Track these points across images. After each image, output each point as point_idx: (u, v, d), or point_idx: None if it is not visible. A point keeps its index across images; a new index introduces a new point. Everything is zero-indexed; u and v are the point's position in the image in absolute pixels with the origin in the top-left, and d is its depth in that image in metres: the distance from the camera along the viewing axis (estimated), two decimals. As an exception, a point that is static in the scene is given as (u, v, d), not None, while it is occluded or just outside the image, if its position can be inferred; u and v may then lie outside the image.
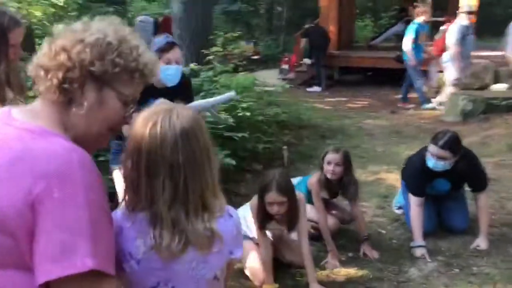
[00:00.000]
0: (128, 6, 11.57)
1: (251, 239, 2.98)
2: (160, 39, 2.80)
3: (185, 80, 2.93)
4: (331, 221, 3.39)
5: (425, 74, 8.67)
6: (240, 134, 4.39)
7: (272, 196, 2.67)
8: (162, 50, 2.70)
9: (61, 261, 0.94)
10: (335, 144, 6.10)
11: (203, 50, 5.91)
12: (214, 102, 2.79)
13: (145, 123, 1.14)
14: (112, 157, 2.93)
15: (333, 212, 3.56)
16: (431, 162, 3.16)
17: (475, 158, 3.32)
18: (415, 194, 3.32)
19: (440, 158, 3.11)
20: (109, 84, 1.12)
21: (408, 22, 13.06)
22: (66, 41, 1.09)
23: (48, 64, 1.08)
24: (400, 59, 8.79)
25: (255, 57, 16.47)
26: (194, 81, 5.57)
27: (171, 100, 2.74)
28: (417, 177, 3.34)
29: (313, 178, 3.35)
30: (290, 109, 7.35)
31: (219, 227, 1.20)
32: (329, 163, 3.24)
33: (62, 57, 1.08)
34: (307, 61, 11.55)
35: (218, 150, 4.12)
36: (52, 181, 0.96)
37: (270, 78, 12.91)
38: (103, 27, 1.13)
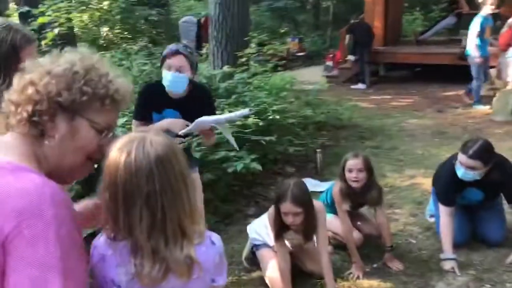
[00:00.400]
0: (171, 7, 11.73)
1: (271, 247, 2.96)
2: (171, 46, 2.81)
3: (197, 89, 2.90)
4: (356, 235, 3.27)
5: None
6: (267, 138, 4.33)
7: (287, 206, 2.62)
8: (165, 56, 2.72)
9: None
10: (372, 146, 6.02)
11: (236, 52, 5.90)
12: (229, 118, 2.77)
13: (119, 153, 1.13)
14: None
15: (359, 224, 3.45)
16: (460, 172, 2.99)
17: (511, 167, 3.11)
18: (444, 203, 3.17)
19: (469, 168, 2.94)
20: (80, 113, 1.13)
21: (459, 15, 12.57)
22: (34, 74, 1.11)
23: (18, 99, 1.10)
24: (462, 56, 8.12)
25: (300, 53, 16.37)
26: (228, 83, 5.60)
27: (184, 109, 2.77)
28: (446, 186, 3.18)
29: (335, 188, 3.25)
30: (330, 108, 7.22)
31: (200, 254, 1.18)
32: (350, 170, 3.13)
33: (30, 91, 1.09)
34: (351, 57, 11.32)
35: (245, 154, 4.11)
36: (23, 219, 0.97)
37: (314, 75, 12.78)
38: (70, 58, 1.13)
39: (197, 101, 2.86)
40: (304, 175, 5.13)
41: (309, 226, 2.72)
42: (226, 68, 5.57)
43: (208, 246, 1.22)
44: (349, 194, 3.17)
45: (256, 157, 4.09)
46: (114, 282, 1.18)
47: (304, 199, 2.64)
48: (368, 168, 3.14)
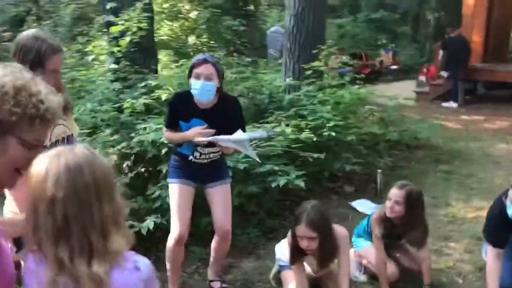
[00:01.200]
0: (258, 18, 11.86)
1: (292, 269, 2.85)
2: (197, 56, 2.85)
3: (226, 100, 2.90)
4: (390, 268, 3.05)
5: None
6: (315, 155, 4.20)
7: (301, 229, 2.51)
8: (194, 66, 2.75)
9: None
10: (446, 170, 5.59)
11: (303, 65, 5.81)
12: (247, 138, 2.75)
13: (36, 163, 1.15)
14: (170, 171, 3.05)
15: (398, 255, 3.21)
16: (510, 210, 2.66)
17: None
18: (492, 244, 2.83)
19: (521, 205, 2.60)
20: (10, 132, 1.16)
21: None
22: None
23: None
24: None
25: (394, 66, 15.75)
26: (294, 95, 5.55)
27: (211, 119, 2.78)
28: (495, 225, 2.83)
29: (375, 214, 3.06)
30: (408, 126, 6.84)
31: (119, 278, 1.16)
32: (389, 199, 2.95)
33: None
34: (443, 73, 10.65)
35: (293, 169, 4.02)
36: None
37: (405, 90, 12.19)
38: (1, 78, 1.16)
39: (225, 112, 2.87)
40: (363, 196, 4.92)
41: (324, 252, 2.57)
42: (289, 80, 5.50)
43: (130, 271, 1.18)
44: (384, 222, 2.97)
45: (303, 174, 3.98)
46: None
47: (321, 223, 2.51)
48: (408, 204, 2.93)
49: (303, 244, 2.54)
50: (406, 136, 6.62)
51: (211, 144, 2.86)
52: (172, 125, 2.91)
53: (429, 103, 10.87)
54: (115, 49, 4.85)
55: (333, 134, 4.52)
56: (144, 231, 3.34)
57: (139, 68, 5.30)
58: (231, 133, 2.78)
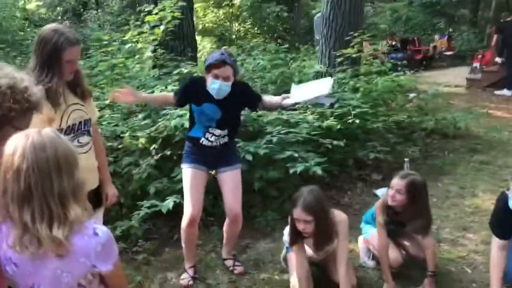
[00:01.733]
0: (301, 3, 11.75)
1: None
2: (215, 55, 2.98)
3: (237, 86, 3.04)
4: (393, 255, 3.09)
5: None
6: (335, 142, 4.25)
7: (297, 212, 2.63)
8: (213, 66, 2.90)
9: None
10: (481, 161, 5.46)
11: (334, 52, 5.81)
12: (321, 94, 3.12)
13: (9, 141, 1.35)
14: (183, 156, 3.26)
15: (405, 243, 3.24)
16: (511, 201, 2.63)
17: None
18: (496, 235, 2.81)
19: (522, 198, 2.57)
20: (9, 124, 1.40)
21: None
22: None
23: None
24: None
25: (449, 52, 15.17)
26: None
27: (224, 106, 2.95)
28: (497, 216, 2.80)
29: (379, 201, 3.12)
30: (448, 115, 6.68)
31: (80, 241, 1.35)
32: (391, 187, 2.99)
33: None
34: (498, 59, 10.20)
35: (314, 156, 4.09)
36: None
37: (457, 77, 11.83)
38: None
39: (238, 97, 3.05)
40: (389, 184, 4.91)
41: (320, 235, 2.67)
42: (319, 67, 5.54)
43: (90, 236, 1.38)
44: (387, 209, 3.02)
45: (322, 161, 4.05)
46: (11, 259, 1.38)
47: (316, 207, 2.60)
48: (410, 193, 2.94)
49: (300, 226, 2.65)
50: (445, 124, 6.48)
51: (221, 127, 3.05)
52: (182, 102, 3.13)
53: (481, 90, 10.47)
54: (151, 37, 5.09)
55: (357, 121, 4.54)
56: (164, 210, 3.58)
57: (175, 56, 5.53)
58: (239, 112, 3.23)
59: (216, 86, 2.89)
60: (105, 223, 3.71)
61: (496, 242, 2.81)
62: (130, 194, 4.06)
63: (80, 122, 2.49)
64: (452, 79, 11.77)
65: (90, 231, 1.38)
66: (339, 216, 2.79)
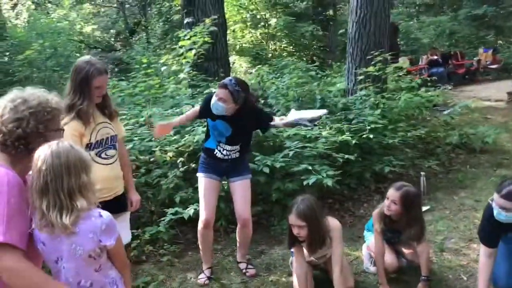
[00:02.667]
0: (338, 22, 11.97)
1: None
2: (226, 79, 3.41)
3: (247, 108, 3.41)
4: (389, 260, 3.33)
5: None
6: (346, 156, 4.52)
7: (292, 218, 2.94)
8: (218, 86, 3.35)
9: None
10: (503, 175, 5.51)
11: (356, 70, 6.06)
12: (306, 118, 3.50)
13: (38, 150, 1.78)
14: (199, 166, 3.64)
15: (403, 250, 3.47)
16: (495, 211, 2.82)
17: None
18: (483, 243, 3.00)
19: (502, 208, 2.75)
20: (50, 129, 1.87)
21: None
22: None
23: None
24: None
25: (494, 66, 14.87)
26: (348, 100, 5.87)
27: (234, 123, 3.40)
28: (485, 225, 2.99)
29: (376, 210, 3.37)
30: (477, 130, 6.74)
31: (88, 221, 1.75)
32: (387, 198, 3.22)
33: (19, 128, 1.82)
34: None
35: (328, 168, 4.37)
36: None
37: (499, 91, 11.65)
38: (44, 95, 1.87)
39: (244, 119, 3.43)
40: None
41: (313, 239, 2.97)
42: (340, 85, 5.81)
43: (96, 217, 1.78)
44: (384, 218, 3.27)
45: (333, 173, 4.32)
46: (40, 239, 1.81)
47: (308, 214, 2.90)
48: (404, 204, 3.15)
49: (295, 231, 2.97)
50: (473, 139, 6.54)
51: (231, 143, 3.44)
52: (203, 114, 3.54)
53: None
54: (184, 60, 5.59)
55: (371, 136, 4.79)
56: (186, 217, 4.00)
57: (207, 76, 6.00)
58: (249, 132, 3.62)
59: (212, 101, 3.32)
60: (136, 227, 4.19)
61: (483, 249, 3.01)
62: (159, 202, 4.51)
63: (107, 138, 2.94)
64: (494, 93, 11.59)
65: (96, 214, 1.79)
66: (333, 223, 3.07)
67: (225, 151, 3.47)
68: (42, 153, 1.75)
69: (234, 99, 3.30)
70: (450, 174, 5.74)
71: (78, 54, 12.17)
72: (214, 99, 3.32)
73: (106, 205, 2.88)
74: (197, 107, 3.69)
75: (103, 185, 2.90)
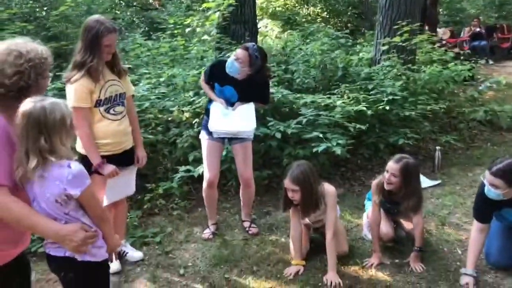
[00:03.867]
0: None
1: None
2: (248, 43, 3.54)
3: (258, 77, 3.50)
4: (385, 229, 3.41)
5: None
6: (357, 126, 4.54)
7: (286, 182, 3.05)
8: (240, 47, 3.47)
9: None
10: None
11: (380, 40, 5.95)
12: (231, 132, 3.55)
13: (23, 104, 1.89)
14: (202, 127, 3.77)
15: (401, 221, 3.54)
16: (486, 189, 2.84)
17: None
18: (476, 218, 3.04)
19: (492, 185, 2.77)
20: (42, 76, 2.02)
21: None
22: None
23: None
24: None
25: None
26: (371, 69, 5.82)
27: (241, 89, 3.47)
28: (478, 201, 3.02)
29: (375, 179, 3.43)
30: (504, 107, 6.56)
31: (56, 169, 1.87)
32: (387, 171, 3.24)
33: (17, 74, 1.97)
34: None
35: (339, 137, 4.42)
36: None
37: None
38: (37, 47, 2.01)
39: (255, 86, 3.52)
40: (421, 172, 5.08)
41: (305, 203, 3.08)
42: (363, 55, 5.75)
43: (64, 167, 1.88)
44: (382, 190, 3.32)
45: (344, 142, 4.36)
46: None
47: (301, 179, 3.00)
48: (404, 176, 3.18)
49: (289, 194, 3.08)
50: (502, 116, 6.39)
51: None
52: (208, 79, 3.65)
53: None
54: (208, 23, 5.65)
55: (387, 108, 4.77)
56: (195, 175, 4.19)
57: (232, 39, 6.06)
58: (255, 99, 3.62)
59: (229, 61, 3.43)
60: (149, 182, 4.42)
61: (475, 224, 3.06)
62: (174, 160, 4.71)
63: (116, 95, 3.10)
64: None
65: (65, 164, 1.90)
66: (328, 188, 3.17)
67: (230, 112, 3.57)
68: (20, 110, 1.86)
69: (251, 63, 3.39)
70: (470, 150, 5.67)
71: (117, 12, 12.42)
72: (231, 59, 3.42)
73: (115, 158, 3.12)
74: (202, 78, 3.78)
75: (112, 139, 3.09)
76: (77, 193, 1.90)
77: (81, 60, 2.91)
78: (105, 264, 2.13)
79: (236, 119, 3.51)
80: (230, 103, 3.56)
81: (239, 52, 3.44)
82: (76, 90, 2.90)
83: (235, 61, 3.41)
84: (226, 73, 3.51)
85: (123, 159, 3.20)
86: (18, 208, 1.88)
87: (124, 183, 3.24)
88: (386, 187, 3.26)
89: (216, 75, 3.59)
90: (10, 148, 1.91)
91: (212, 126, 3.50)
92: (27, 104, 1.87)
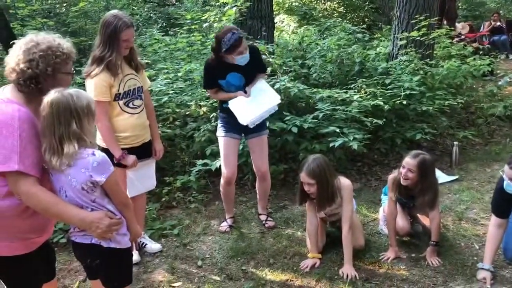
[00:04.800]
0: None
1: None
2: (230, 37, 3.34)
3: (250, 51, 3.49)
4: (400, 223, 3.41)
5: None
6: (374, 121, 4.53)
7: (302, 176, 3.08)
8: (237, 46, 3.35)
9: (3, 164, 1.93)
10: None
11: (397, 35, 5.90)
12: (267, 112, 3.50)
13: (48, 94, 1.96)
14: (218, 127, 3.76)
15: (418, 215, 3.54)
16: (505, 183, 2.83)
17: None
18: (494, 213, 3.03)
19: (511, 179, 2.76)
20: (58, 71, 2.05)
21: None
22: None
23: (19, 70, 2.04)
24: None
25: None
26: (388, 64, 5.80)
27: (245, 72, 3.49)
28: (496, 196, 3.00)
29: (391, 174, 3.42)
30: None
31: (82, 157, 1.94)
32: (403, 166, 3.23)
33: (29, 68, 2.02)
34: None
35: (356, 132, 4.42)
36: (1, 126, 1.92)
37: None
38: (56, 39, 2.05)
39: (252, 61, 3.51)
40: (437, 166, 5.05)
41: (321, 197, 3.10)
42: (380, 49, 5.72)
43: (89, 155, 1.96)
44: (399, 186, 3.31)
45: (363, 137, 4.36)
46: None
47: (317, 172, 3.02)
48: (421, 171, 3.18)
49: (305, 188, 3.11)
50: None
51: None
52: (212, 85, 3.60)
53: None
54: (224, 18, 5.69)
55: (404, 102, 4.76)
56: (213, 168, 4.24)
57: (249, 35, 6.08)
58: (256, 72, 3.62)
59: (243, 60, 3.41)
60: (166, 175, 4.49)
61: (493, 219, 3.04)
62: (192, 154, 4.77)
63: (134, 89, 3.15)
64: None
65: (90, 152, 1.97)
66: (344, 182, 3.18)
67: None
68: (45, 100, 1.93)
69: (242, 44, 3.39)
70: (488, 146, 5.62)
71: (135, 8, 12.53)
72: (237, 58, 3.41)
73: (134, 151, 3.18)
74: (210, 90, 3.71)
75: (131, 132, 3.15)
76: (102, 179, 1.97)
77: (100, 55, 2.97)
78: (129, 252, 2.20)
79: (260, 100, 3.51)
80: (242, 87, 3.55)
81: (243, 46, 3.39)
82: (96, 84, 2.96)
83: (243, 55, 3.40)
84: (221, 66, 3.49)
85: (141, 152, 3.26)
86: (46, 197, 1.95)
87: (144, 176, 3.30)
88: (403, 182, 3.25)
89: (215, 74, 3.54)
90: (37, 140, 1.98)
91: (244, 120, 3.46)
92: (53, 93, 1.94)
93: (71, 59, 2.10)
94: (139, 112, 3.18)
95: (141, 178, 3.27)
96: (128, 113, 3.10)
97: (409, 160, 3.23)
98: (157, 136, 3.42)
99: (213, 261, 3.42)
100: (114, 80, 3.01)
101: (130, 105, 3.13)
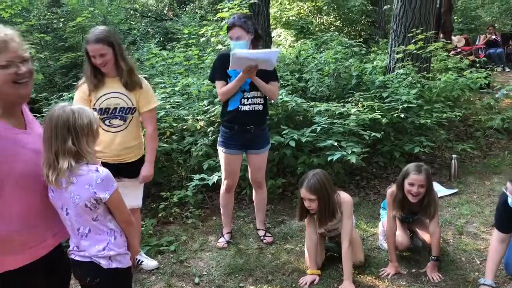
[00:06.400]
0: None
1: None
2: (230, 19, 3.44)
3: (256, 41, 3.47)
4: (401, 238, 3.36)
5: None
6: (372, 134, 4.51)
7: (303, 192, 3.03)
8: (228, 29, 3.40)
9: None
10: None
11: (394, 48, 5.92)
12: (263, 55, 3.29)
13: (51, 109, 1.94)
14: (219, 140, 3.69)
15: (417, 230, 3.49)
16: (509, 199, 2.80)
17: None
18: (497, 227, 2.99)
19: (513, 195, 2.74)
20: None
21: None
22: None
23: None
24: None
25: None
26: (385, 77, 5.80)
27: None
28: (499, 211, 2.96)
29: (389, 190, 3.37)
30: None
31: (85, 174, 1.90)
32: (412, 184, 3.13)
33: None
34: None
35: (354, 145, 4.39)
36: None
37: None
38: None
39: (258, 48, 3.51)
40: (435, 179, 5.03)
41: (322, 212, 3.05)
42: (377, 63, 5.73)
43: (92, 172, 1.92)
44: (403, 203, 3.25)
45: (361, 151, 4.33)
46: (50, 188, 1.96)
47: (318, 188, 2.98)
48: (429, 184, 3.15)
49: (306, 204, 3.06)
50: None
51: (254, 88, 3.47)
52: (220, 77, 3.48)
53: None
54: (222, 33, 5.69)
55: (402, 116, 4.74)
56: (210, 183, 4.20)
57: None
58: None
59: (238, 46, 3.33)
60: (163, 190, 4.44)
61: (496, 234, 3.00)
62: (189, 168, 4.73)
63: (115, 108, 3.04)
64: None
65: (93, 169, 1.93)
66: (344, 197, 3.14)
67: (249, 99, 3.49)
68: (47, 113, 1.92)
69: (247, 29, 3.35)
70: (487, 159, 5.60)
71: (132, 23, 12.58)
72: (232, 44, 3.38)
73: (112, 167, 2.96)
74: (219, 83, 3.54)
75: (103, 148, 3.06)
76: (106, 196, 1.94)
77: (83, 68, 3.06)
78: (129, 271, 2.15)
79: (259, 52, 3.41)
80: (248, 84, 3.46)
81: (233, 32, 3.36)
82: (76, 96, 3.06)
83: (237, 40, 3.34)
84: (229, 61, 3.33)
85: (124, 170, 3.13)
86: None
87: (127, 195, 3.21)
88: (413, 200, 3.16)
89: (227, 64, 3.35)
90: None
91: (236, 52, 3.24)
92: (56, 108, 1.92)
93: (5, 48, 1.72)
94: (115, 132, 3.09)
95: (125, 196, 3.18)
96: (103, 129, 3.03)
97: (416, 177, 3.13)
98: (149, 160, 3.24)
99: (210, 278, 3.36)
100: (89, 95, 3.01)
101: (106, 122, 3.06)
